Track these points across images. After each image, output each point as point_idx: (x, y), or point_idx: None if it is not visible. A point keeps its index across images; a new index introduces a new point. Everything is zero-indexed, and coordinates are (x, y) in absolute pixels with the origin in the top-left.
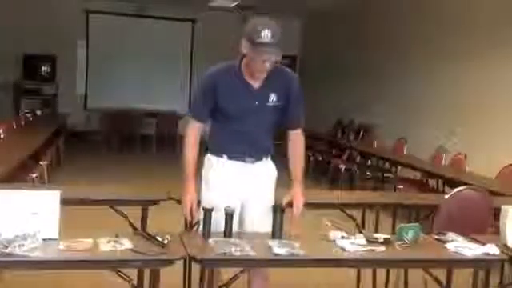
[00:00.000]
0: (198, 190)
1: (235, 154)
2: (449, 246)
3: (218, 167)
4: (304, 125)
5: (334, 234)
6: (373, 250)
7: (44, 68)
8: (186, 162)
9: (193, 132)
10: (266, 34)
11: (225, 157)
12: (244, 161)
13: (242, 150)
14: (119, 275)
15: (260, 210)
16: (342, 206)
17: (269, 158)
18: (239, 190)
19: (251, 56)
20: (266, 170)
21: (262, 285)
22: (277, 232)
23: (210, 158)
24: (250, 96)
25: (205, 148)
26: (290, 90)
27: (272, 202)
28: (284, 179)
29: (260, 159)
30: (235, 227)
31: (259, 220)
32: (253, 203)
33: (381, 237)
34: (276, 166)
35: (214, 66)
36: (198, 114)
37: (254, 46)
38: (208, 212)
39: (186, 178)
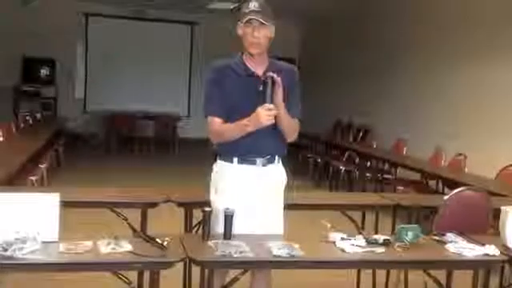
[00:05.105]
0: (207, 195)
1: (246, 156)
2: (449, 246)
3: (228, 173)
4: (301, 116)
5: (334, 236)
6: (372, 252)
7: (43, 71)
8: (227, 128)
9: (215, 123)
10: (253, 4)
11: (235, 161)
12: (255, 163)
13: (253, 149)
14: (119, 277)
15: (270, 214)
16: (342, 208)
17: (280, 162)
18: (249, 194)
19: (244, 31)
20: (276, 174)
21: None
22: None
23: (219, 165)
24: (254, 81)
25: (213, 156)
26: (291, 81)
27: (282, 207)
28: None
29: (272, 161)
30: (244, 232)
31: (269, 225)
32: (263, 208)
33: (380, 238)
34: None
35: (216, 61)
36: (214, 110)
37: (243, 19)
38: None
39: (237, 124)
